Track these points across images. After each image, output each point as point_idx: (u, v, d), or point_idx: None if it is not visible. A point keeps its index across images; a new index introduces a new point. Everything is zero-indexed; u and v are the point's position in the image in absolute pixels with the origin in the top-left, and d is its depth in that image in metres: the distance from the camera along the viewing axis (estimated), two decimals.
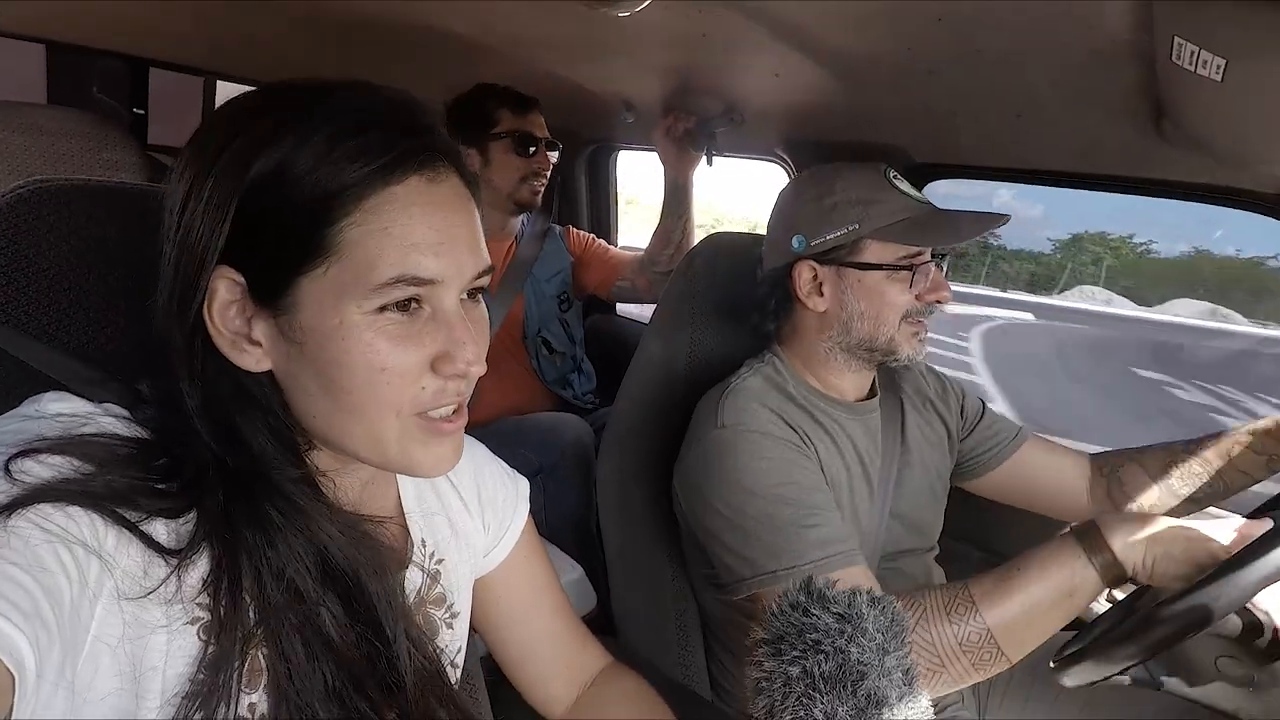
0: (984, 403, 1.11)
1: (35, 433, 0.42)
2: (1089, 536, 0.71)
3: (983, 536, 1.28)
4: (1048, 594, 0.71)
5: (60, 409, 0.45)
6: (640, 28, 0.98)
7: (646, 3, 0.86)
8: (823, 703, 0.38)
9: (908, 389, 1.06)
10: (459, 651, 0.63)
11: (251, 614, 0.44)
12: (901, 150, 1.27)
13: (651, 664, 1.04)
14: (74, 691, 0.38)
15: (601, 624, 1.18)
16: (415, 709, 0.50)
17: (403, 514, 0.60)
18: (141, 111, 1.53)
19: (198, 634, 0.43)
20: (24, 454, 0.40)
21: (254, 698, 0.45)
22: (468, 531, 0.65)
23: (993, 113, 1.07)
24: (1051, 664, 0.66)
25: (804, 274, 0.93)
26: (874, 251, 0.91)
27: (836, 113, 1.21)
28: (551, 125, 1.60)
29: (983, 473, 1.08)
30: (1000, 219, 0.93)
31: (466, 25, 1.22)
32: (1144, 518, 0.71)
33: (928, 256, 0.92)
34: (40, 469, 0.40)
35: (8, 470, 0.38)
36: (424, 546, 0.61)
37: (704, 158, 1.53)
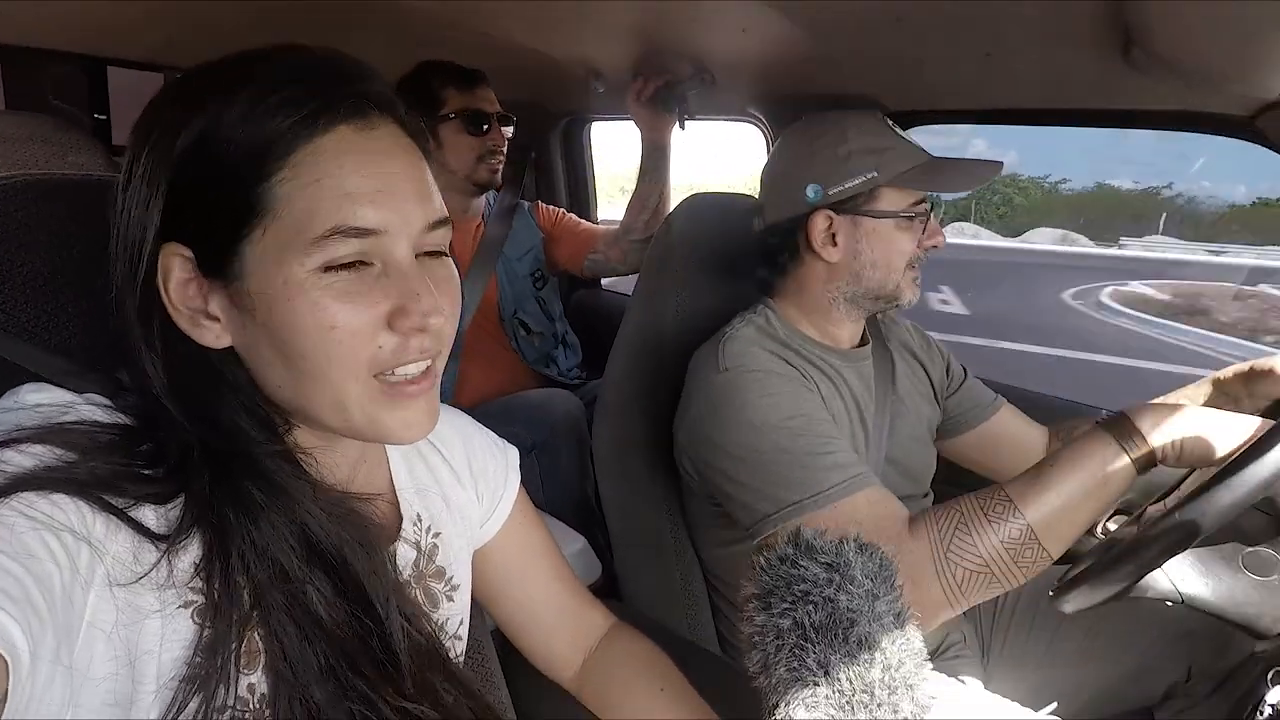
0: (965, 368, 1.14)
1: (14, 423, 0.41)
2: (1119, 425, 0.72)
3: (976, 482, 1.30)
4: (1082, 485, 0.71)
5: (39, 399, 0.44)
6: None
7: None
8: (815, 652, 0.39)
9: (894, 340, 1.08)
10: (461, 624, 0.64)
11: (246, 596, 0.44)
12: (874, 100, 1.26)
13: (659, 625, 1.06)
14: (72, 675, 0.39)
15: (608, 592, 1.21)
16: (413, 684, 0.49)
17: (394, 490, 0.60)
18: (103, 116, 1.49)
19: (192, 617, 0.43)
20: (4, 444, 0.40)
21: (253, 678, 0.45)
22: (461, 503, 0.65)
23: (962, 55, 1.05)
24: (1050, 593, 0.67)
25: (819, 224, 0.93)
26: (889, 199, 0.92)
27: (807, 66, 1.19)
28: (521, 100, 1.57)
29: (954, 435, 1.12)
30: (995, 166, 0.94)
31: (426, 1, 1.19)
32: (1171, 406, 0.71)
33: (927, 204, 0.94)
34: (22, 458, 0.39)
35: None
36: (419, 521, 0.61)
37: (677, 121, 1.50)
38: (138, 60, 1.48)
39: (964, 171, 0.94)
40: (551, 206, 1.84)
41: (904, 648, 0.41)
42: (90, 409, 0.45)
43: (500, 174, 1.58)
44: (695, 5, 1.08)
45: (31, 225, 0.53)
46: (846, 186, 0.91)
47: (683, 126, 1.51)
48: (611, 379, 1.11)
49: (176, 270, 0.45)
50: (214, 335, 0.46)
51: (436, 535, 0.62)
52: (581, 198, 2.16)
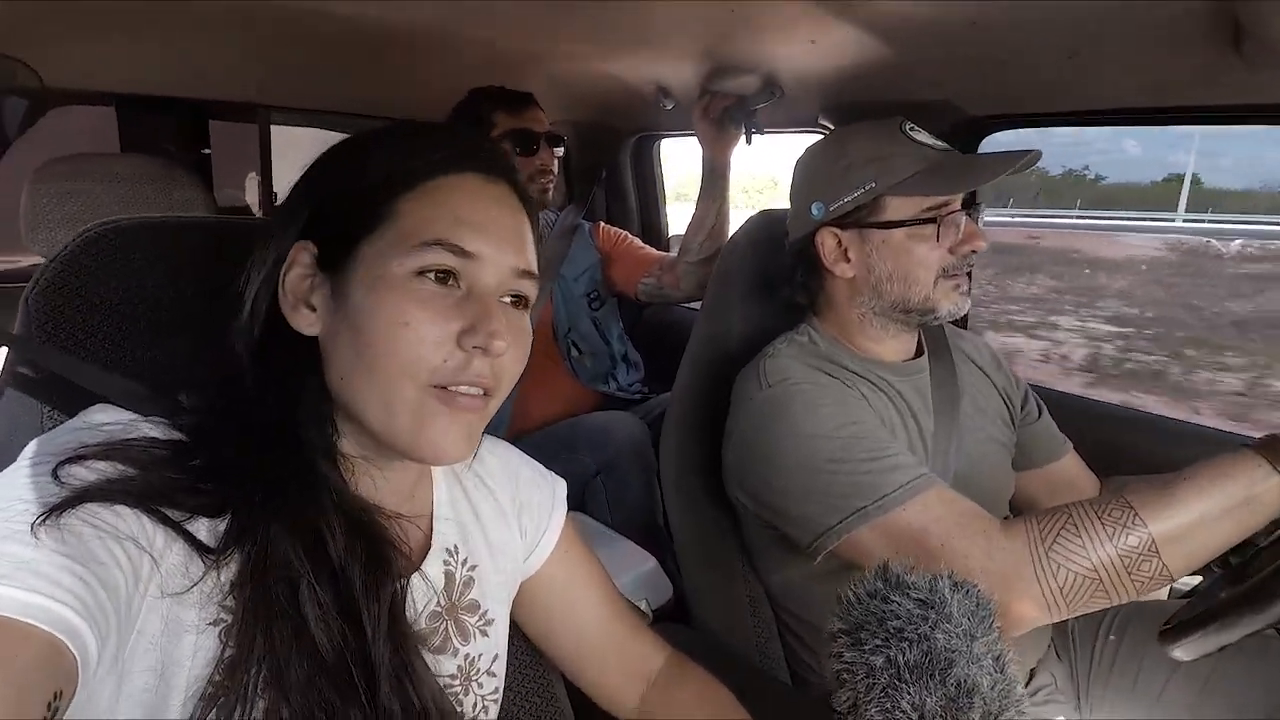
0: (1041, 406, 1.07)
1: (80, 441, 0.44)
2: (1272, 447, 0.66)
3: None
4: (1220, 503, 0.66)
5: (103, 419, 0.48)
6: (670, 12, 0.97)
7: None
8: (910, 693, 0.36)
9: (959, 353, 1.02)
10: (496, 660, 0.63)
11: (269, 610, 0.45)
12: (952, 105, 1.21)
13: (728, 651, 1.03)
14: (120, 681, 0.41)
15: (678, 614, 1.19)
16: (380, 712, 0.47)
17: (430, 518, 0.61)
18: (208, 151, 1.61)
19: (218, 635, 0.44)
20: (70, 460, 0.42)
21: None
22: (504, 540, 0.65)
23: (1045, 56, 1.00)
24: (1160, 635, 0.62)
25: (827, 241, 0.91)
26: (895, 208, 0.87)
27: (879, 74, 1.16)
28: (590, 120, 1.59)
29: (1016, 470, 1.05)
30: (1026, 156, 0.84)
31: (497, 30, 1.23)
32: None
33: (956, 206, 0.87)
34: (86, 473, 0.42)
35: (55, 475, 0.41)
36: (455, 552, 0.61)
37: (743, 136, 1.49)
38: (234, 100, 1.58)
39: (974, 168, 0.87)
40: (613, 228, 1.83)
41: (1004, 693, 0.38)
42: (149, 427, 0.48)
43: (550, 193, 1.59)
44: (763, 20, 1.07)
45: (121, 264, 0.58)
46: (846, 200, 0.88)
47: (749, 141, 1.50)
48: (677, 396, 1.10)
49: (299, 263, 0.52)
50: (308, 322, 0.52)
51: (472, 569, 0.62)
52: (652, 216, 2.17)
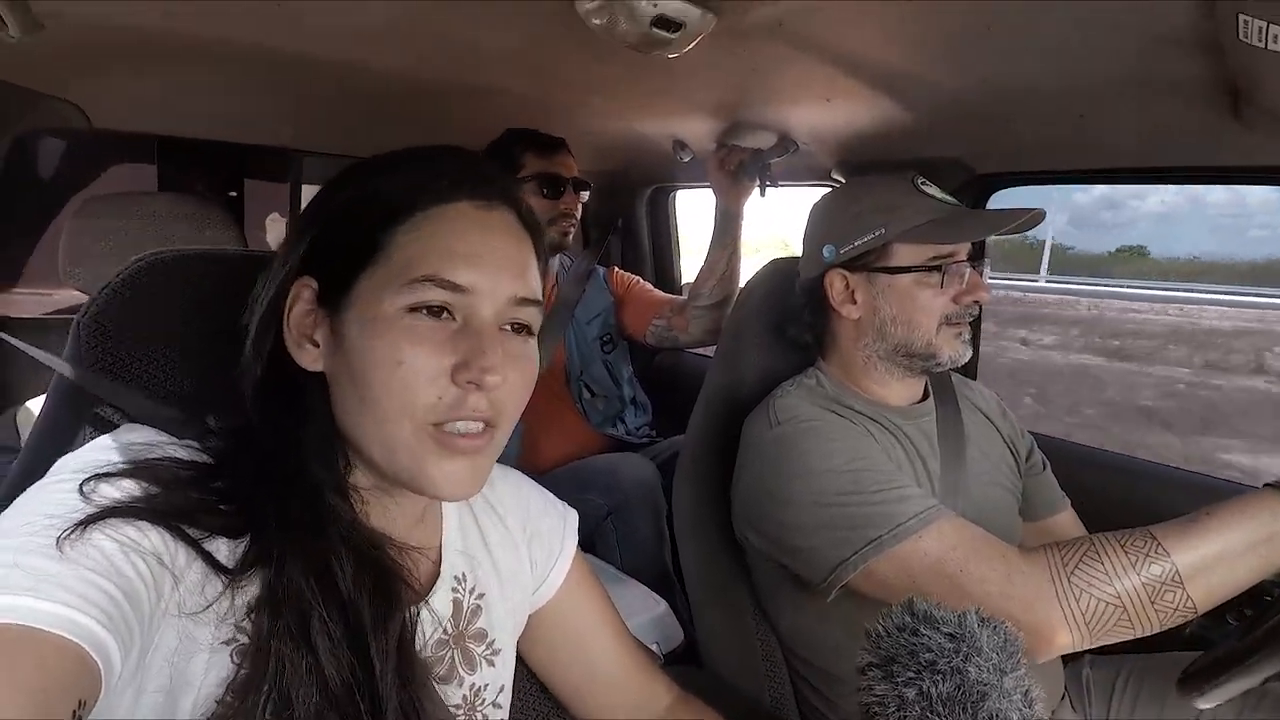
0: (1045, 460, 1.09)
1: (108, 459, 0.46)
2: None
3: None
4: (1242, 538, 0.67)
5: (131, 439, 0.48)
6: (689, 68, 1.01)
7: (694, 43, 0.89)
8: None
9: (965, 401, 1.04)
10: (502, 691, 0.62)
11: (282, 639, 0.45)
12: (961, 163, 1.26)
13: (740, 694, 1.02)
14: (138, 694, 0.41)
15: (689, 657, 1.18)
16: None
17: (440, 549, 0.60)
18: (235, 194, 1.67)
19: (231, 656, 0.44)
20: (96, 477, 0.43)
21: None
22: (513, 570, 0.65)
23: (1053, 115, 1.05)
24: (1179, 683, 0.61)
25: (836, 283, 0.95)
26: (903, 255, 0.91)
27: (891, 131, 1.21)
28: (608, 171, 1.63)
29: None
30: (1030, 214, 0.89)
31: (519, 80, 1.28)
32: None
33: (962, 257, 0.91)
34: (111, 490, 0.43)
35: (81, 491, 0.42)
36: (462, 580, 0.61)
37: (758, 189, 1.53)
38: (269, 143, 1.65)
39: (979, 221, 0.92)
40: (626, 273, 1.86)
41: None
42: (174, 448, 0.49)
43: (570, 237, 1.62)
44: (779, 79, 1.12)
45: (162, 292, 0.61)
46: (856, 244, 0.92)
47: (763, 194, 1.54)
48: (690, 441, 1.11)
49: (302, 300, 0.52)
50: (311, 358, 0.52)
51: (480, 597, 0.61)
52: (665, 264, 2.22)
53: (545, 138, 1.58)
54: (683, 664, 1.18)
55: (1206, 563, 0.67)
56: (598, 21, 0.80)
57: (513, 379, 0.50)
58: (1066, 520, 1.08)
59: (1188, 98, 0.89)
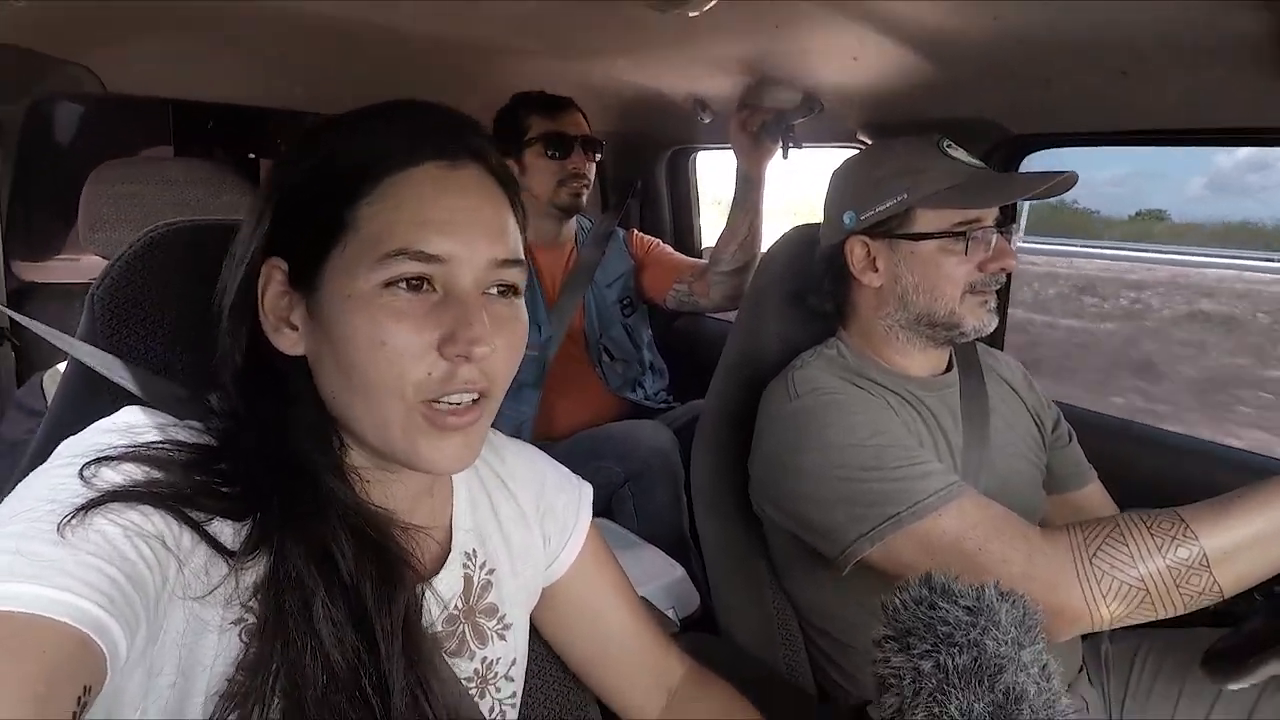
0: (1071, 431, 1.07)
1: (108, 443, 0.45)
2: None
3: None
4: (1273, 523, 0.65)
5: (132, 421, 0.48)
6: (711, 26, 0.98)
7: (715, 0, 0.86)
8: (958, 698, 0.36)
9: (990, 372, 1.02)
10: (514, 664, 0.62)
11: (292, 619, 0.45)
12: (995, 124, 1.21)
13: (755, 662, 1.03)
14: (149, 677, 0.41)
15: (705, 623, 1.19)
16: None
17: (449, 527, 0.60)
18: (254, 156, 1.67)
19: (240, 635, 0.44)
20: (97, 461, 0.43)
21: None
22: (525, 545, 0.64)
23: (1093, 75, 1.00)
24: (1203, 663, 0.60)
25: (856, 250, 0.92)
26: (926, 221, 0.88)
27: (921, 90, 1.16)
28: (627, 131, 1.60)
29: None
30: (1061, 177, 0.84)
31: (537, 39, 1.26)
32: None
33: (988, 223, 0.88)
34: (112, 474, 0.43)
35: (82, 476, 0.42)
36: (473, 556, 0.60)
37: (779, 150, 1.49)
38: (286, 108, 1.64)
39: (1006, 186, 0.88)
40: (646, 236, 1.83)
41: (1050, 703, 0.38)
42: (177, 430, 0.48)
43: (582, 198, 1.59)
44: (804, 37, 1.08)
45: (178, 266, 0.59)
46: (878, 210, 0.89)
47: (785, 155, 1.50)
48: (709, 407, 1.10)
49: (274, 282, 0.50)
50: (290, 342, 0.50)
51: (490, 572, 0.61)
52: (685, 227, 2.18)
53: (549, 98, 1.54)
54: (698, 630, 1.19)
55: (1236, 547, 0.65)
56: None
57: (501, 345, 0.49)
58: (1093, 493, 1.06)
59: (1238, 57, 0.84)
